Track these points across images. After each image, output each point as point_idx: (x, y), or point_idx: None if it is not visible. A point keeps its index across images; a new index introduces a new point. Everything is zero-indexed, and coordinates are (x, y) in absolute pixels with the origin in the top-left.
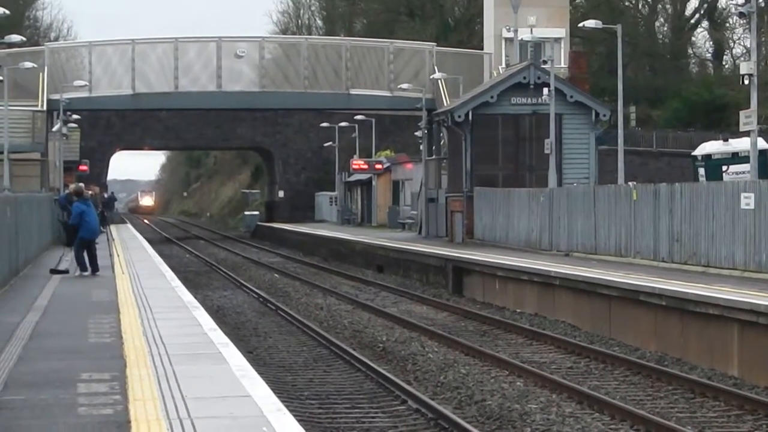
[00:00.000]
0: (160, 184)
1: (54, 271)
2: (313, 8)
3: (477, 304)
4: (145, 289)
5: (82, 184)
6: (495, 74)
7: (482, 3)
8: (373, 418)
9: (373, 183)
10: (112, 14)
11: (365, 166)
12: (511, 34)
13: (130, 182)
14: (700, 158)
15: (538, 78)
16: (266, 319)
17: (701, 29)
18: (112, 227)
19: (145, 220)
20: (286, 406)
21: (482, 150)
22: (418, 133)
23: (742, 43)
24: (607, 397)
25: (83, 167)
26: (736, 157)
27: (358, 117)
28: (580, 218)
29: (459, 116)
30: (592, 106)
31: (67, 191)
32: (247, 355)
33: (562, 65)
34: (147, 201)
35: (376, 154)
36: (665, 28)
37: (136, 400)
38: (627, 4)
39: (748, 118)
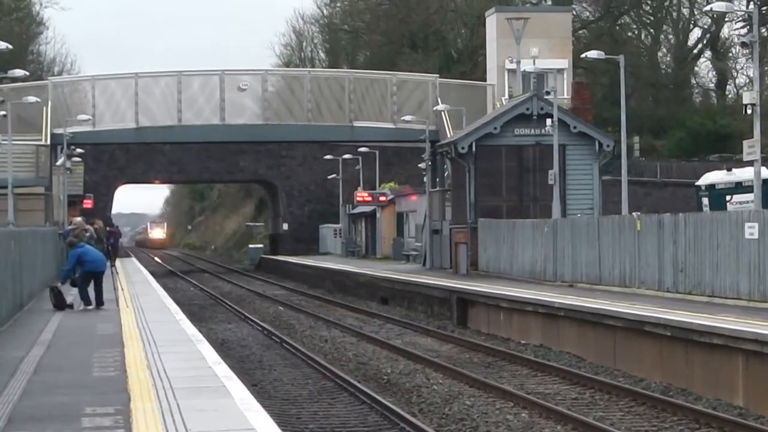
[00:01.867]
0: (164, 217)
1: (57, 305)
2: (315, 41)
3: (482, 335)
4: (150, 323)
5: (78, 219)
6: (498, 105)
7: (485, 35)
8: None
9: (378, 215)
10: (113, 50)
11: (369, 198)
12: (513, 66)
13: (135, 215)
14: (703, 188)
15: (541, 109)
16: (271, 352)
17: (704, 59)
18: (118, 261)
19: (156, 258)
20: None
21: (486, 181)
22: (421, 165)
23: (745, 73)
24: (612, 428)
25: (87, 201)
26: (739, 187)
27: (362, 149)
28: (584, 249)
29: (462, 147)
30: (595, 137)
31: (71, 226)
32: (252, 388)
33: (565, 96)
34: (157, 233)
35: (379, 186)
36: (668, 59)
37: None
38: (629, 34)
39: (751, 148)
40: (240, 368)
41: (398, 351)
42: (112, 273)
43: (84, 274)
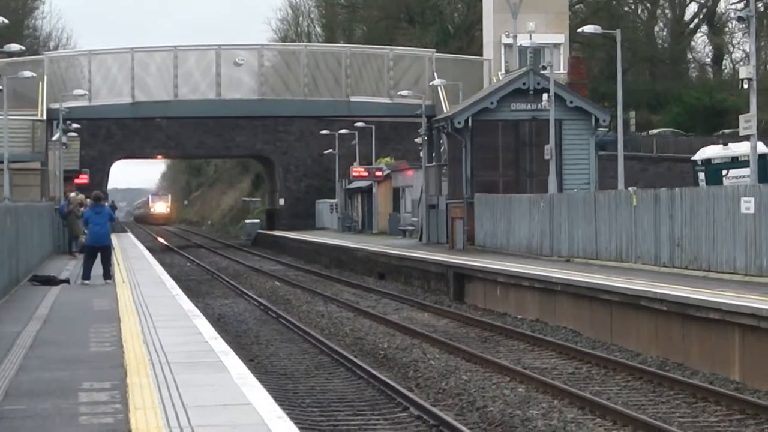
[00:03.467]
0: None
1: (41, 280)
2: (312, 15)
3: (478, 310)
4: (146, 298)
5: (73, 194)
6: (494, 80)
7: (482, 9)
8: (374, 425)
9: (374, 190)
10: (110, 23)
11: (365, 174)
12: (510, 40)
13: (131, 191)
14: (700, 163)
15: (538, 84)
16: (267, 327)
17: (700, 34)
18: (112, 236)
19: (153, 233)
20: (288, 414)
21: (482, 156)
22: (418, 140)
23: (741, 48)
24: (608, 403)
25: (83, 176)
26: (736, 162)
27: (358, 124)
28: (580, 224)
29: (459, 123)
30: (591, 112)
31: (66, 200)
32: (249, 363)
33: (562, 71)
34: (161, 207)
35: (376, 161)
36: (664, 33)
37: (137, 408)
38: (626, 9)
39: (747, 123)
40: (236, 343)
41: (395, 326)
42: None
43: (89, 248)
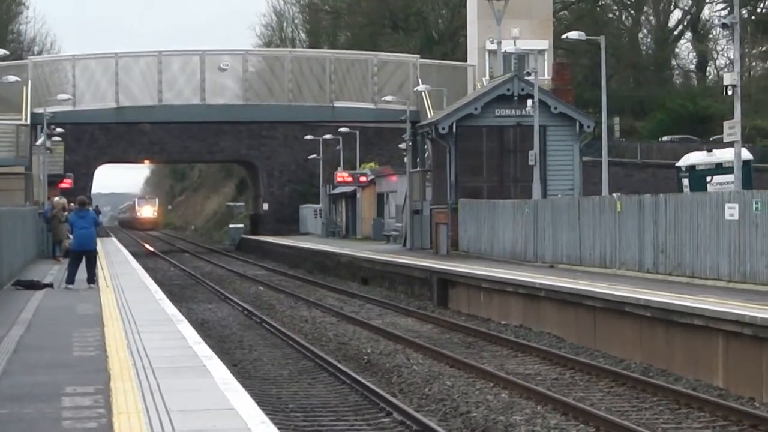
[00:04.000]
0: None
1: (24, 285)
2: (296, 21)
3: (462, 316)
4: (130, 303)
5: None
6: (479, 86)
7: (466, 15)
8: (358, 430)
9: (358, 195)
10: (94, 28)
11: (350, 179)
12: (494, 46)
13: (115, 195)
14: (684, 169)
15: (522, 90)
16: (251, 332)
17: (685, 40)
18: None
19: (137, 238)
20: (271, 419)
21: (467, 162)
22: (402, 146)
23: (725, 54)
24: (592, 409)
25: (67, 181)
26: (720, 168)
27: (343, 129)
28: (564, 230)
29: (443, 128)
30: (576, 118)
31: (50, 205)
32: (232, 368)
33: (546, 77)
34: (147, 211)
35: (360, 166)
36: (649, 40)
37: (120, 413)
38: (610, 15)
39: (731, 129)
40: (220, 348)
41: (379, 331)
42: None
43: (73, 252)
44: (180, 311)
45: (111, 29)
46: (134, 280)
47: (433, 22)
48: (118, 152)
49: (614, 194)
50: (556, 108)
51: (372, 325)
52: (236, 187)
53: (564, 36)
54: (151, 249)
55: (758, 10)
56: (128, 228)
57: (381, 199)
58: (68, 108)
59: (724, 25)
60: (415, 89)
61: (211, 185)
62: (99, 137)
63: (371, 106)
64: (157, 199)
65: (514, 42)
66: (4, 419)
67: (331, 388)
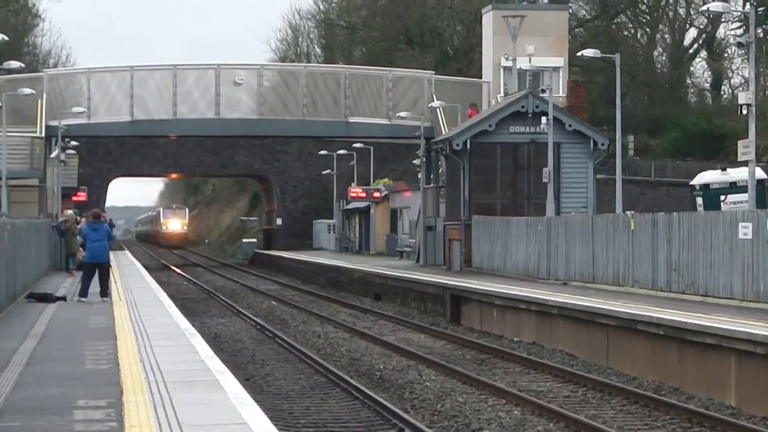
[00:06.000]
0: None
1: (37, 297)
2: (312, 36)
3: (474, 332)
4: (143, 316)
5: (69, 212)
6: (493, 103)
7: (481, 32)
8: None
9: (372, 211)
10: (109, 42)
11: (363, 194)
12: (509, 63)
13: (129, 209)
14: (698, 188)
15: (537, 107)
16: (263, 347)
17: (700, 59)
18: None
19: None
20: None
21: (480, 178)
22: (416, 161)
23: (740, 73)
24: (604, 427)
25: (81, 194)
26: (734, 187)
27: (357, 145)
28: (578, 247)
29: (457, 144)
30: (590, 135)
31: (63, 218)
32: (244, 382)
33: (561, 94)
34: (174, 224)
35: (374, 182)
36: (664, 58)
37: (133, 427)
38: (626, 33)
39: (746, 148)
40: (232, 362)
41: (391, 347)
42: None
43: (87, 265)
44: (193, 325)
45: (127, 43)
46: (147, 293)
47: (449, 39)
48: (133, 166)
49: (628, 212)
50: (570, 125)
51: (384, 340)
52: (250, 202)
53: (579, 53)
54: (164, 262)
55: None
56: (148, 243)
57: (394, 215)
58: (83, 121)
59: (739, 44)
60: (429, 105)
61: (224, 199)
62: (113, 150)
63: (386, 121)
64: (186, 210)
65: (529, 59)
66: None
67: (344, 404)
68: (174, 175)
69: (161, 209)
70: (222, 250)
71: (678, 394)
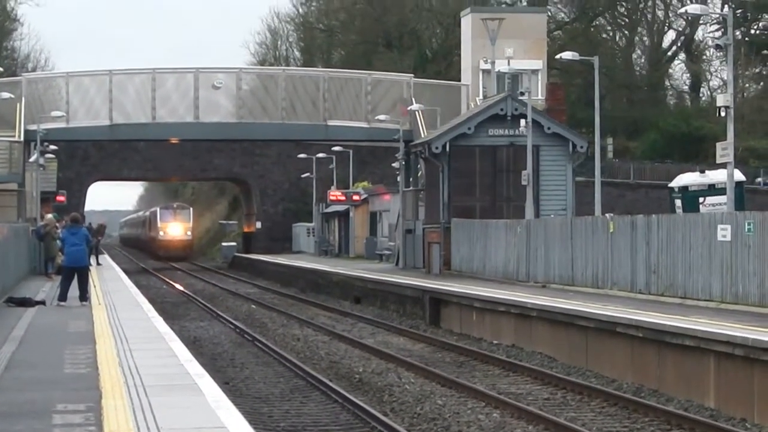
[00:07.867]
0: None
1: (16, 301)
2: (290, 39)
3: (454, 335)
4: (122, 320)
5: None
6: (472, 106)
7: (460, 35)
8: None
9: (351, 214)
10: (88, 46)
11: (342, 198)
12: (488, 66)
13: (108, 212)
14: (677, 190)
15: (516, 109)
16: (243, 350)
17: (678, 61)
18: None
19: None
20: None
21: (459, 181)
22: (395, 165)
23: (718, 76)
24: (584, 429)
25: (60, 198)
26: (712, 189)
27: (336, 148)
28: (557, 250)
29: (436, 147)
30: (569, 138)
31: (43, 222)
32: (224, 386)
33: (540, 97)
34: (176, 230)
35: (353, 185)
36: (642, 60)
37: (112, 431)
38: (604, 36)
39: (724, 150)
40: (212, 366)
41: (370, 350)
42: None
43: (66, 269)
44: (172, 329)
45: (105, 47)
46: (126, 297)
47: (427, 41)
48: (112, 169)
49: (607, 214)
50: (549, 128)
51: (364, 343)
52: (229, 205)
53: (558, 56)
54: (143, 266)
55: (752, 32)
56: (137, 249)
57: (374, 218)
58: (62, 125)
59: (717, 47)
60: (408, 108)
61: (204, 203)
62: (92, 154)
63: (365, 125)
64: (191, 210)
65: (508, 62)
66: None
67: (323, 407)
68: (153, 179)
69: (158, 209)
70: (201, 253)
71: (657, 396)
